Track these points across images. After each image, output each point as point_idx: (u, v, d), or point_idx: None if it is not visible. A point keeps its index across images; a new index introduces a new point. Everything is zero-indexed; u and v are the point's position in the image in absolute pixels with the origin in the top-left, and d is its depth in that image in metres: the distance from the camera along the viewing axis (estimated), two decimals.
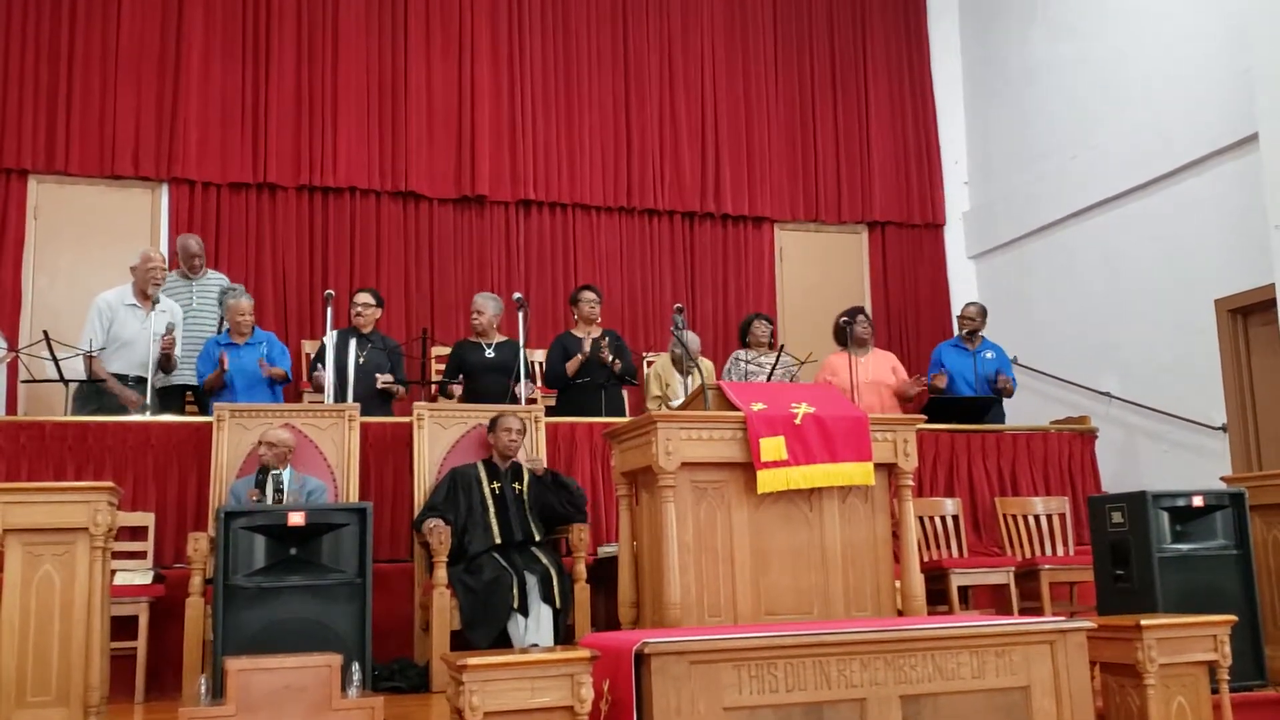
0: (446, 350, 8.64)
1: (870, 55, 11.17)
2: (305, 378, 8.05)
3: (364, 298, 7.54)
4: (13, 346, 7.96)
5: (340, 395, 6.99)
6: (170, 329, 7.00)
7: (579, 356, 7.55)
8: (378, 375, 7.27)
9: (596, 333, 7.81)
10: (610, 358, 7.56)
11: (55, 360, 6.74)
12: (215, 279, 7.81)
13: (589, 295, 7.95)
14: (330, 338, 7.28)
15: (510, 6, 10.16)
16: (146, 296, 7.13)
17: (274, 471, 5.66)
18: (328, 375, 7.00)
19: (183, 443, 6.42)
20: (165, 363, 7.09)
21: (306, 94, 9.54)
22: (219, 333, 7.46)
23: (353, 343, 7.24)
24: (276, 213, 9.41)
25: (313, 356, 7.35)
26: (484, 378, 7.36)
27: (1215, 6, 8.25)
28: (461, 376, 7.61)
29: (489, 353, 7.45)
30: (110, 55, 9.14)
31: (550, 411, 7.45)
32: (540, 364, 8.49)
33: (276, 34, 9.54)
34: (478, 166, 9.79)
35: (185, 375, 7.45)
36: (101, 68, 9.11)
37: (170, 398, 7.40)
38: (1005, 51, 10.72)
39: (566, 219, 10.13)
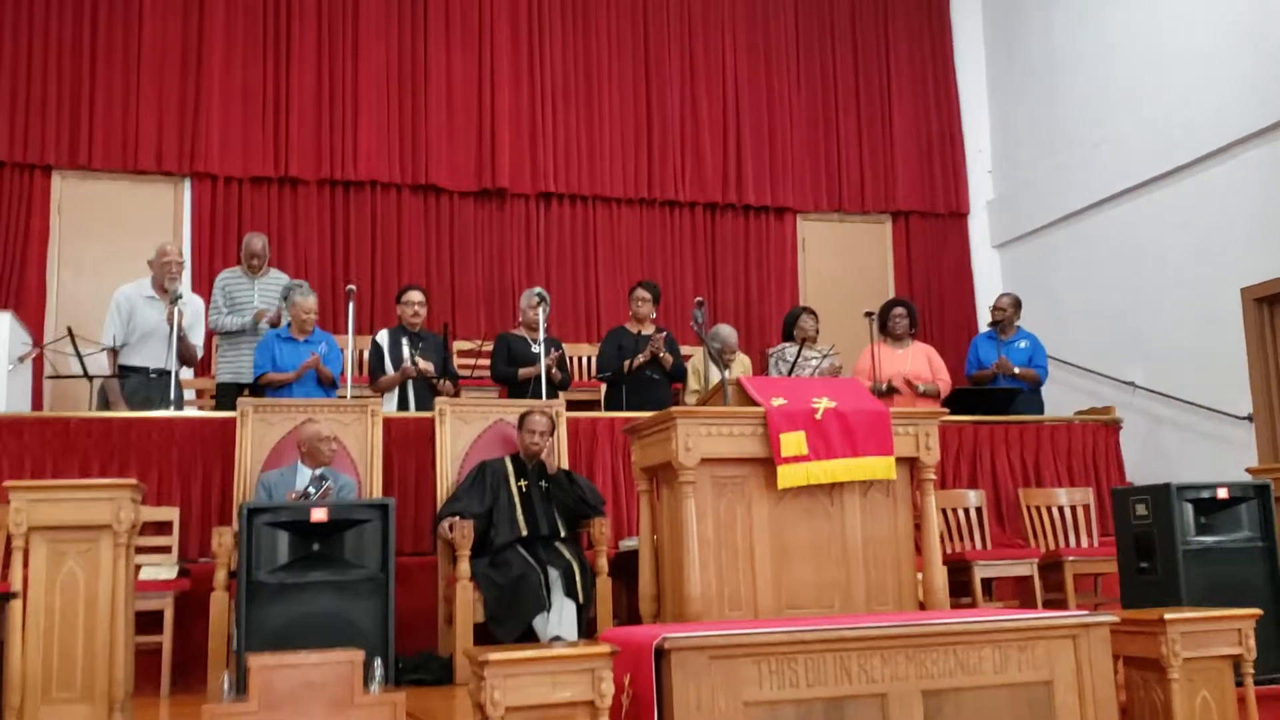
0: (469, 345, 8.68)
1: (893, 43, 11.11)
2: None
3: (418, 296, 7.49)
4: (37, 342, 8.01)
5: (403, 394, 7.17)
6: (179, 299, 6.94)
7: (640, 357, 7.67)
8: (419, 362, 7.32)
9: (650, 329, 7.89)
10: (662, 350, 7.67)
11: (79, 356, 6.79)
12: (276, 278, 7.79)
13: (639, 293, 8.05)
14: (383, 337, 7.38)
15: None
16: (165, 290, 7.16)
17: (321, 477, 5.56)
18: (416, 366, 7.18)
19: (207, 438, 6.45)
20: (185, 353, 7.07)
21: (327, 88, 9.58)
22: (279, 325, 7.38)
23: (405, 340, 7.30)
24: (298, 206, 9.46)
25: (367, 356, 7.32)
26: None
27: None
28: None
29: (535, 348, 7.47)
30: (133, 51, 9.21)
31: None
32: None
33: (297, 28, 9.57)
34: (498, 159, 9.81)
35: (227, 371, 7.43)
36: (124, 63, 9.18)
37: (227, 395, 7.34)
38: (1028, 39, 10.64)
39: (587, 211, 10.14)
